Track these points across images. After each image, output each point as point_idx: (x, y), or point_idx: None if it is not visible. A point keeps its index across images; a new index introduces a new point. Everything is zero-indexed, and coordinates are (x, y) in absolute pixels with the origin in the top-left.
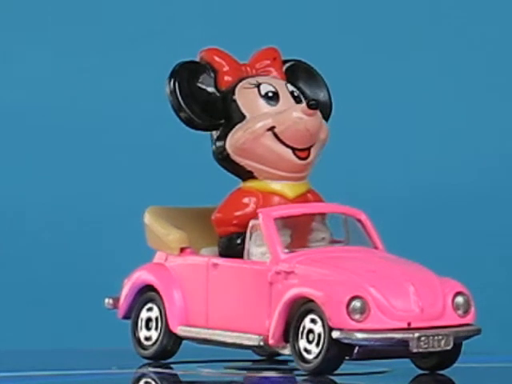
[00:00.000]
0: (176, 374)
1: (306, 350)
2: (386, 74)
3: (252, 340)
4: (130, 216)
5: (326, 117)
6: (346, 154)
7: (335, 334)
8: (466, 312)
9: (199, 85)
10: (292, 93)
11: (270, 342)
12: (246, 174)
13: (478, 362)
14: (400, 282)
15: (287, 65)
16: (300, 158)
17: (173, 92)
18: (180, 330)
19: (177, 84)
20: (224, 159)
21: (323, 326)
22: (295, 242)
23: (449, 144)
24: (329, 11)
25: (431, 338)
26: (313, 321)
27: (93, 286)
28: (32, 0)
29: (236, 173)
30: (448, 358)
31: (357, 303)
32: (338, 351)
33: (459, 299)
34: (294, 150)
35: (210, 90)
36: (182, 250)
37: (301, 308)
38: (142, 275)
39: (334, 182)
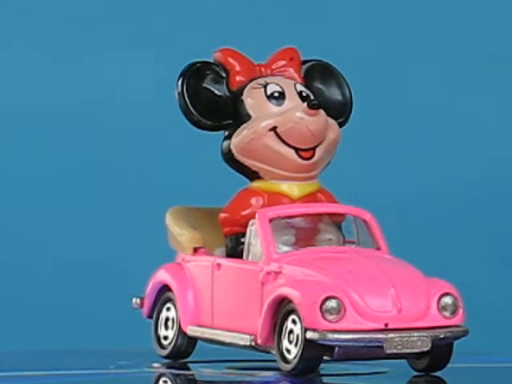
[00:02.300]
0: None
1: (288, 351)
2: (386, 77)
3: (244, 340)
4: (153, 216)
5: (346, 116)
6: (349, 154)
7: (309, 335)
8: (454, 313)
9: (206, 85)
10: (300, 93)
11: (258, 341)
12: (252, 174)
13: (474, 362)
14: (381, 283)
15: (307, 65)
16: (303, 158)
17: (180, 93)
18: (189, 330)
19: (184, 85)
20: (230, 159)
21: (301, 326)
22: (300, 241)
23: (449, 145)
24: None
25: (406, 339)
26: (294, 321)
27: (118, 287)
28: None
29: (242, 173)
30: (439, 359)
31: (331, 303)
32: (314, 352)
33: (446, 300)
34: (297, 150)
35: (218, 90)
36: (196, 250)
37: (284, 308)
38: (160, 275)
39: (339, 183)
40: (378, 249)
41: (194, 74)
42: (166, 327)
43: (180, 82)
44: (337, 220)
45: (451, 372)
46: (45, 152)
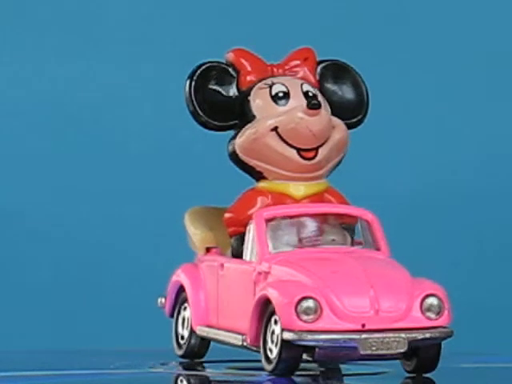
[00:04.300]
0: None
1: (271, 351)
2: (386, 78)
3: (237, 339)
4: (174, 217)
5: (361, 117)
6: (350, 154)
7: (285, 335)
8: (439, 314)
9: (213, 86)
10: (306, 93)
11: (248, 341)
12: (257, 174)
13: (471, 362)
14: (360, 283)
15: (322, 65)
16: (305, 159)
17: (188, 94)
18: (198, 330)
19: (192, 87)
20: (235, 159)
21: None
22: (301, 241)
23: (448, 145)
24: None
25: (381, 340)
26: (275, 322)
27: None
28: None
29: (248, 173)
30: (427, 360)
31: (306, 304)
32: (292, 352)
33: (430, 301)
34: (298, 150)
35: (225, 91)
36: (209, 250)
37: (268, 309)
38: (177, 275)
39: (340, 183)
40: (378, 249)
41: (202, 75)
42: (183, 327)
43: (188, 83)
44: (348, 222)
45: (448, 372)
46: (55, 154)
